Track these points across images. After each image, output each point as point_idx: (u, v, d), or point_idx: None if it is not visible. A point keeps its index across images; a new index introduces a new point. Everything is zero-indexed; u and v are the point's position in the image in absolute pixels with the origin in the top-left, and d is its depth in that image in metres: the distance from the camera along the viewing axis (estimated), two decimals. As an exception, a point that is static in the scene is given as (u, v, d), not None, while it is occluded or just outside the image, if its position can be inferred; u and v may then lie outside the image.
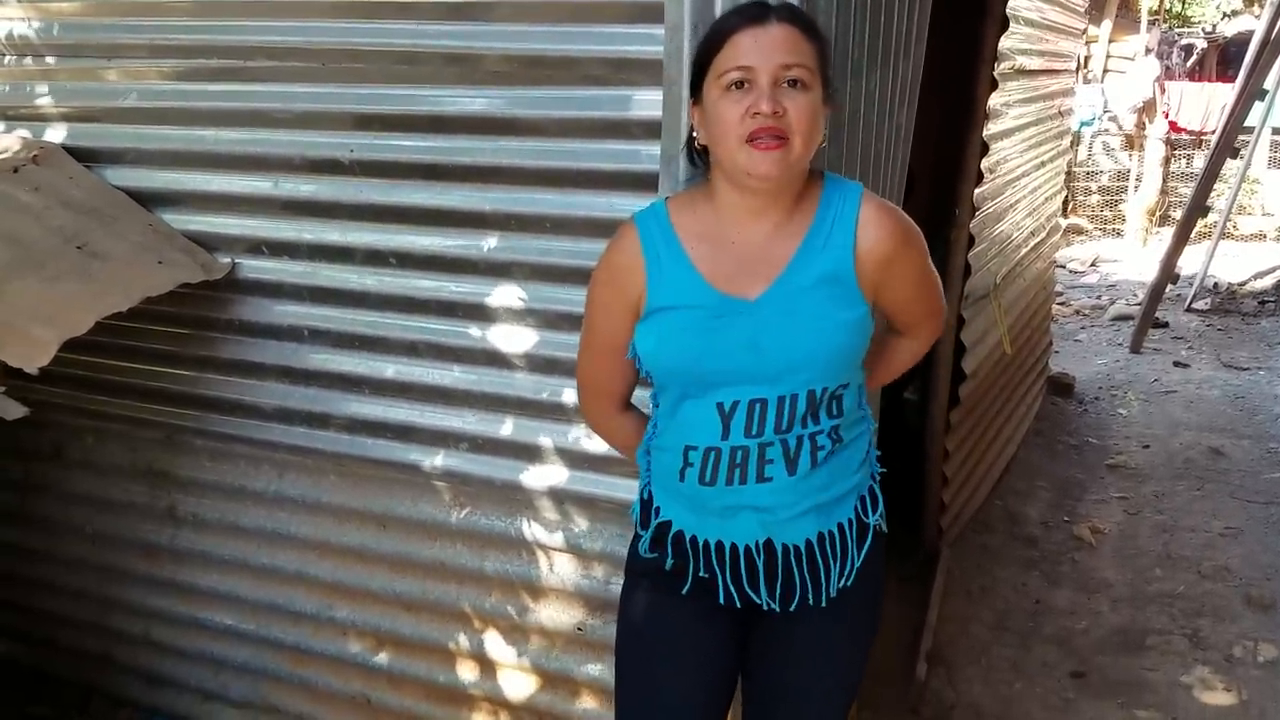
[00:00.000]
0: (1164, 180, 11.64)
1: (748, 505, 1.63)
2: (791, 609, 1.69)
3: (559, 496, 2.31)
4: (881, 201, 1.65)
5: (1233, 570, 3.91)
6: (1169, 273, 7.25)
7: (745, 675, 1.83)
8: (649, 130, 1.99)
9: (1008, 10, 3.44)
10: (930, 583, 3.67)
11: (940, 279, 1.79)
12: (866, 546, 1.70)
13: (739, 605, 1.71)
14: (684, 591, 1.72)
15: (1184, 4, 17.66)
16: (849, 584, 1.70)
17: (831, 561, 1.67)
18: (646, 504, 1.74)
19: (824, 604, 1.69)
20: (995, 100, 3.58)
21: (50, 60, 2.65)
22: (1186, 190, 8.70)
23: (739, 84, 1.49)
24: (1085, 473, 4.95)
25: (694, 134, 1.62)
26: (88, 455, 2.88)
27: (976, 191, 3.56)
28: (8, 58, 2.67)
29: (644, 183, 2.00)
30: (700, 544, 1.68)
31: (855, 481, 1.69)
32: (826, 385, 1.60)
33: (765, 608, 1.70)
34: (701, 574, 1.70)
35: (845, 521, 1.67)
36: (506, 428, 2.33)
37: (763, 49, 1.48)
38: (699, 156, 1.64)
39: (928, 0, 2.52)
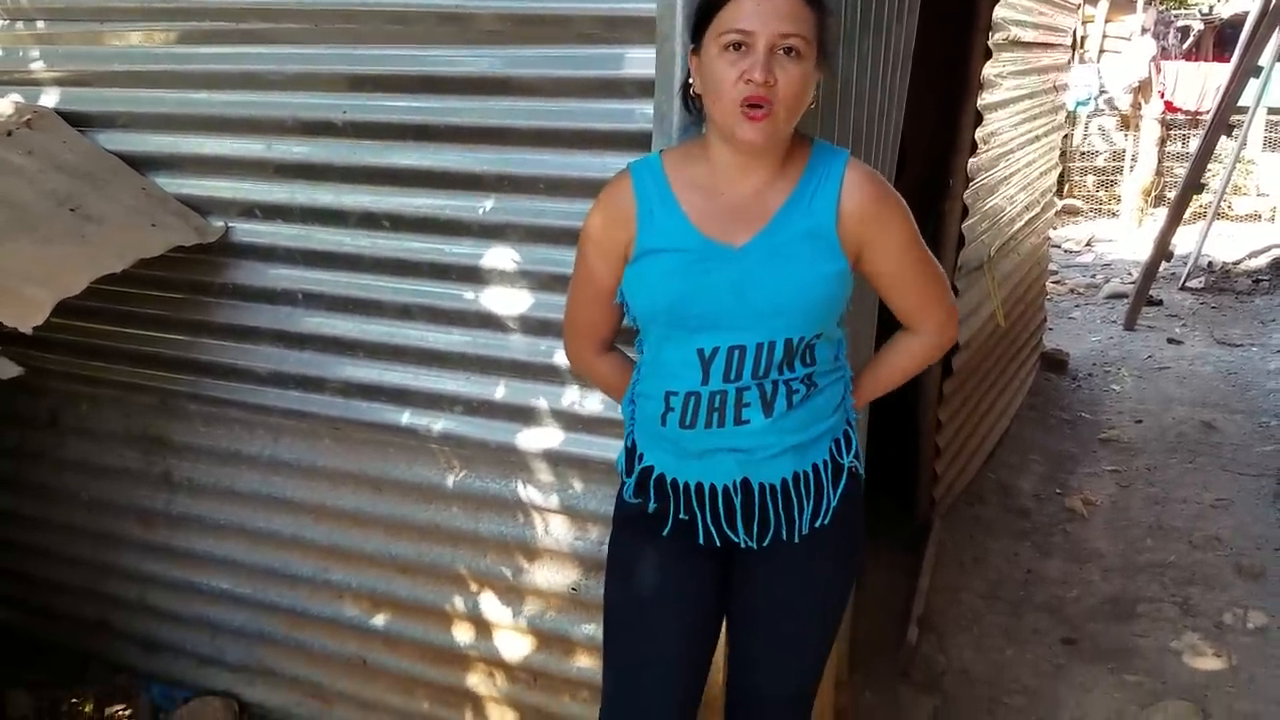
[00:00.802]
0: (1159, 160, 11.65)
1: (726, 447, 1.67)
2: (767, 544, 1.74)
3: (553, 458, 2.32)
4: (867, 168, 1.70)
5: (1223, 540, 3.94)
6: (1163, 251, 7.27)
7: (729, 624, 1.87)
8: (643, 89, 2.00)
9: (1002, -20, 3.45)
10: (922, 552, 3.70)
11: (941, 268, 1.79)
12: (842, 486, 1.75)
13: (718, 544, 1.75)
14: (665, 533, 1.76)
15: (1181, -15, 17.64)
16: (825, 523, 1.73)
17: (806, 500, 1.71)
18: (631, 451, 1.79)
19: (798, 540, 1.73)
20: (989, 70, 3.59)
21: (42, 25, 2.64)
22: (1182, 170, 8.71)
23: (737, 45, 1.52)
24: (1078, 446, 4.97)
25: (690, 81, 1.64)
26: (83, 421, 2.89)
27: (970, 162, 3.57)
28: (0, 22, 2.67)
29: (638, 141, 2.00)
30: (680, 486, 1.73)
31: (830, 424, 1.73)
32: (803, 334, 1.64)
33: (743, 545, 1.74)
34: (682, 516, 1.74)
35: (820, 462, 1.72)
36: (501, 390, 2.33)
37: (764, 15, 1.51)
38: (694, 103, 1.66)
39: (922, -35, 2.52)
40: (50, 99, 2.64)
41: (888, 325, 1.90)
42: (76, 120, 2.60)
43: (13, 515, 3.02)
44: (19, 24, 2.66)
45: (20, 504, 3.01)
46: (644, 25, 1.94)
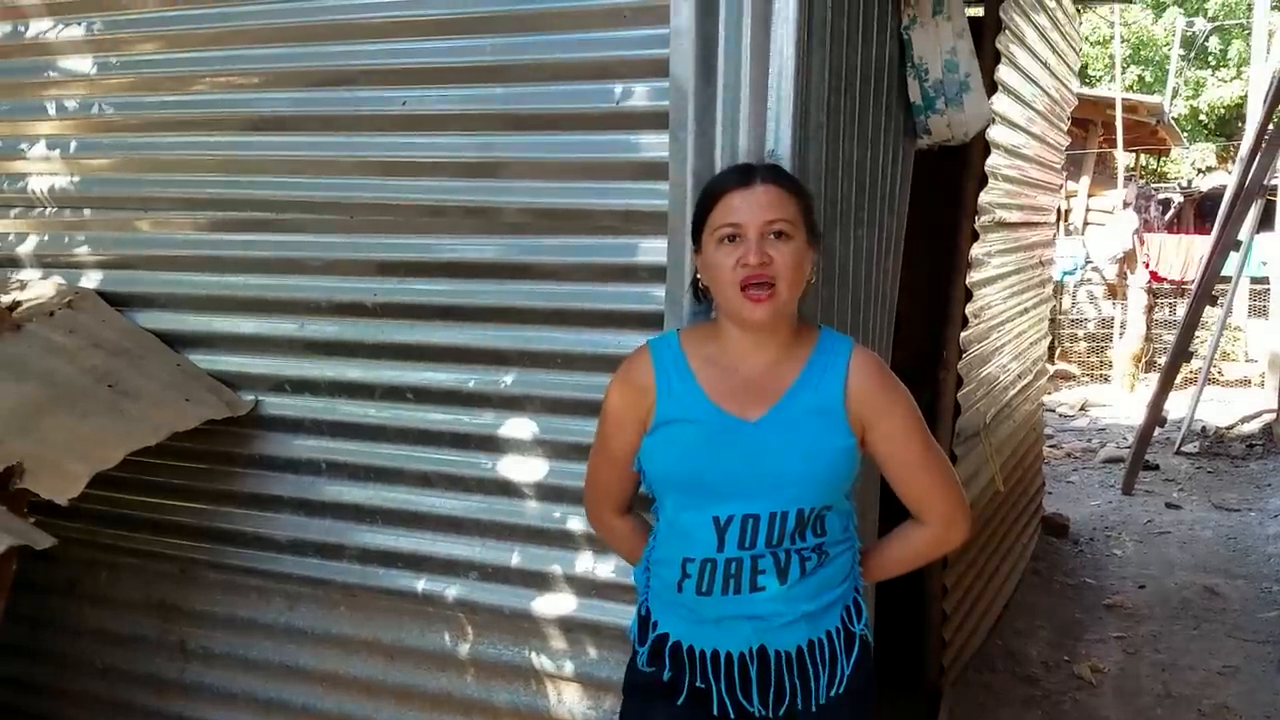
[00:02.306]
0: (1148, 327, 11.95)
1: (743, 614, 1.74)
2: (782, 714, 1.77)
3: (567, 624, 2.38)
4: (871, 353, 1.85)
5: (1232, 709, 3.91)
6: (1156, 417, 7.39)
7: None
8: (655, 274, 2.16)
9: (987, 168, 3.67)
10: (933, 722, 3.67)
11: (951, 465, 1.89)
12: (855, 654, 1.80)
13: (733, 716, 1.78)
14: (679, 702, 1.80)
15: (1159, 161, 18.43)
16: (839, 692, 1.78)
17: (821, 668, 1.77)
18: (644, 619, 1.86)
19: (814, 710, 1.77)
20: (977, 250, 3.78)
21: (86, 212, 2.82)
22: (1170, 336, 8.96)
23: (731, 238, 1.71)
24: (1084, 612, 4.96)
25: (697, 275, 1.82)
26: (101, 590, 2.93)
27: (962, 335, 3.72)
28: (48, 209, 2.85)
29: (651, 322, 2.15)
30: (696, 654, 1.78)
31: (840, 592, 1.81)
32: (814, 505, 1.74)
33: (758, 715, 1.78)
34: (698, 684, 1.79)
35: (833, 630, 1.79)
36: (516, 556, 2.41)
37: (750, 207, 1.71)
38: (703, 295, 1.84)
39: (909, 161, 2.73)
40: (92, 280, 2.80)
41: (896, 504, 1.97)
42: (117, 300, 2.76)
43: (27, 684, 3.02)
44: (66, 211, 2.84)
45: (34, 672, 3.01)
46: (657, 219, 2.12)
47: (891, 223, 2.65)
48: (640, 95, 2.15)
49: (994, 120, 3.54)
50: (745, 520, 1.72)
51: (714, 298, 1.78)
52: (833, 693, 1.78)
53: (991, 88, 3.45)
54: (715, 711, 1.79)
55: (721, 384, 1.77)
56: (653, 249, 2.17)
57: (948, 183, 3.61)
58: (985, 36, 3.44)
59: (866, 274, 2.48)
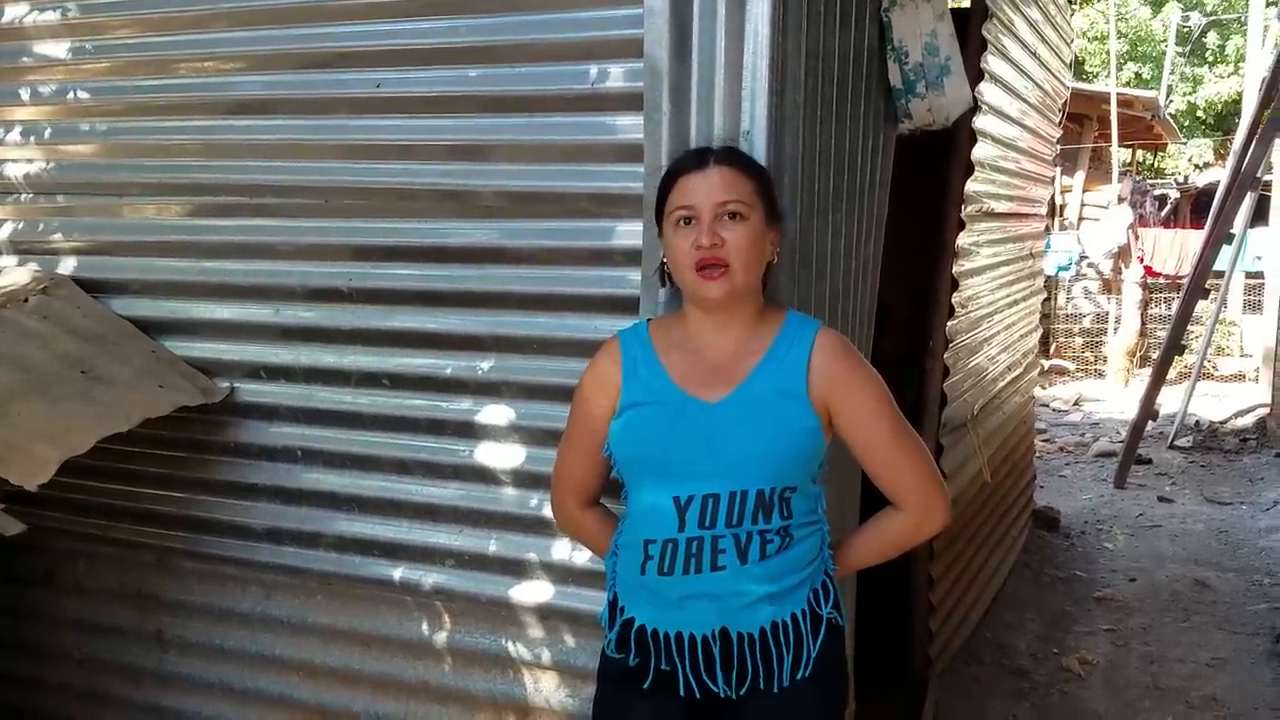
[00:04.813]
0: (1143, 322, 11.94)
1: (703, 593, 1.73)
2: (744, 692, 1.76)
3: (545, 612, 2.35)
4: (838, 335, 1.85)
5: (1220, 700, 3.89)
6: (1148, 410, 7.38)
7: None
8: (630, 258, 2.14)
9: (974, 157, 3.65)
10: (919, 714, 3.65)
11: (926, 448, 1.86)
12: (821, 638, 1.78)
13: (699, 696, 1.78)
14: (645, 686, 1.79)
15: (1157, 156, 18.44)
16: (807, 675, 1.76)
17: (785, 650, 1.75)
18: (613, 605, 1.86)
19: (776, 690, 1.75)
20: (965, 240, 3.75)
21: (61, 199, 2.79)
22: (1164, 332, 8.94)
23: (686, 220, 1.73)
24: (1073, 605, 4.95)
25: (664, 259, 1.83)
26: (79, 579, 2.91)
27: (949, 325, 3.70)
28: (23, 196, 2.82)
29: (627, 306, 2.13)
30: (660, 636, 1.77)
31: (807, 574, 1.79)
32: (775, 485, 1.73)
33: (722, 695, 1.77)
34: (663, 667, 1.78)
35: (799, 612, 1.77)
36: (493, 544, 2.39)
37: (703, 190, 1.73)
38: (668, 279, 1.84)
39: (890, 146, 2.70)
40: (68, 267, 2.78)
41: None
42: (93, 287, 2.73)
43: (5, 675, 3.00)
44: (41, 197, 2.81)
45: (12, 664, 2.99)
46: (632, 202, 2.11)
47: (872, 208, 2.62)
48: (615, 76, 2.12)
49: (980, 108, 3.51)
50: (705, 500, 1.72)
51: (675, 281, 1.80)
52: (799, 675, 1.76)
53: (979, 76, 3.42)
54: (681, 693, 1.78)
55: (686, 367, 1.79)
56: (628, 232, 2.15)
57: (934, 171, 3.59)
58: (972, 23, 3.41)
59: (845, 260, 2.45)
